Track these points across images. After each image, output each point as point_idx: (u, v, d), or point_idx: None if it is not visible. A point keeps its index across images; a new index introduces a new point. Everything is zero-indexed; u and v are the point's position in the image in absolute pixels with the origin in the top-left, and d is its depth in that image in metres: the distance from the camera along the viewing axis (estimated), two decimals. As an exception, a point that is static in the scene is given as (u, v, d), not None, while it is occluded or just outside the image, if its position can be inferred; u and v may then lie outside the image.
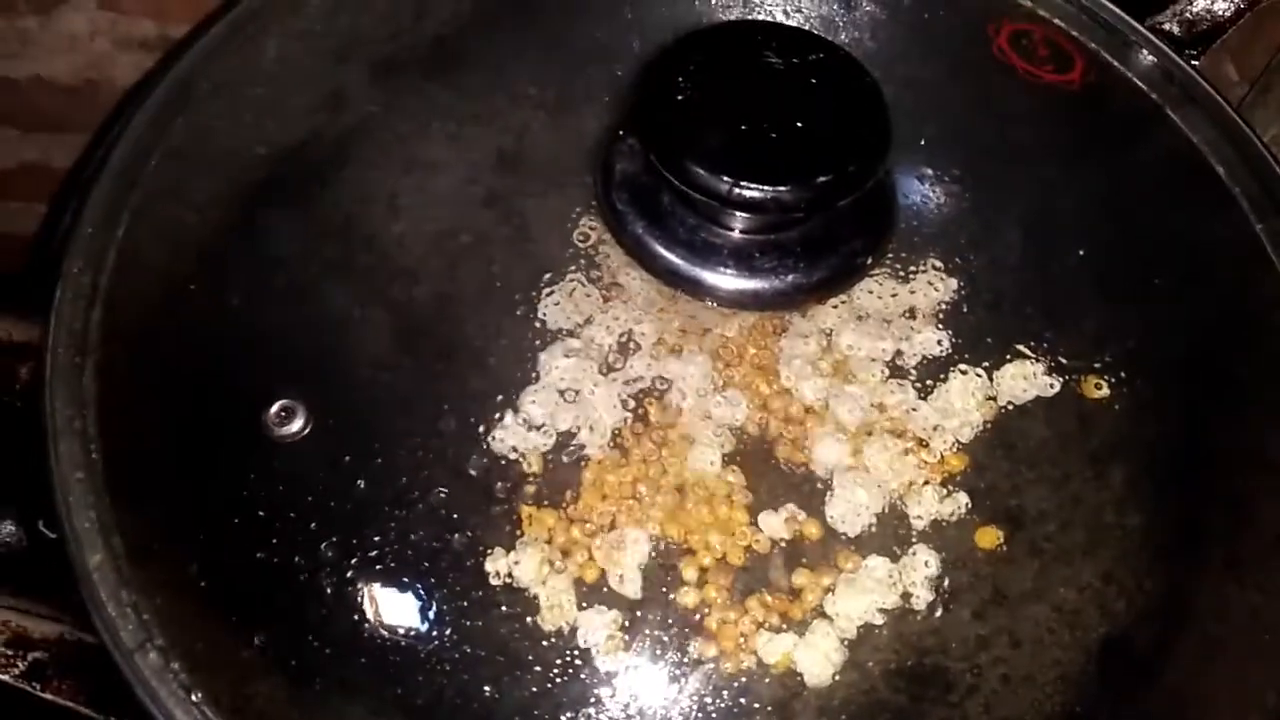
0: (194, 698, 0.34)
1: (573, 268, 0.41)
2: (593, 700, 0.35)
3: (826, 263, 0.40)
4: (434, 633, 0.36)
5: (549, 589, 0.36)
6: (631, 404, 0.39)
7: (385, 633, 0.36)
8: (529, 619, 0.36)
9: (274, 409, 0.37)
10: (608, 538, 0.37)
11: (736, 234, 0.39)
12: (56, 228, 0.42)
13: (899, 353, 0.40)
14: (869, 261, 0.41)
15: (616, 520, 0.37)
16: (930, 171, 0.44)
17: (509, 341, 0.40)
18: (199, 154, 0.43)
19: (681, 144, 0.36)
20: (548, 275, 0.41)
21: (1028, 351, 0.41)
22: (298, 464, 0.38)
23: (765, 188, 0.36)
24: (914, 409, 0.40)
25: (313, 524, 0.37)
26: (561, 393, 0.39)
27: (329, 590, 0.36)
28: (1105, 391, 0.40)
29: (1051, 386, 0.40)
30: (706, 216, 0.39)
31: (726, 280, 0.39)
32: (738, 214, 0.38)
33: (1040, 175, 0.45)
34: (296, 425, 0.37)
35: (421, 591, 0.36)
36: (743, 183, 0.36)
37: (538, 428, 0.38)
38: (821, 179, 0.36)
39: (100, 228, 0.41)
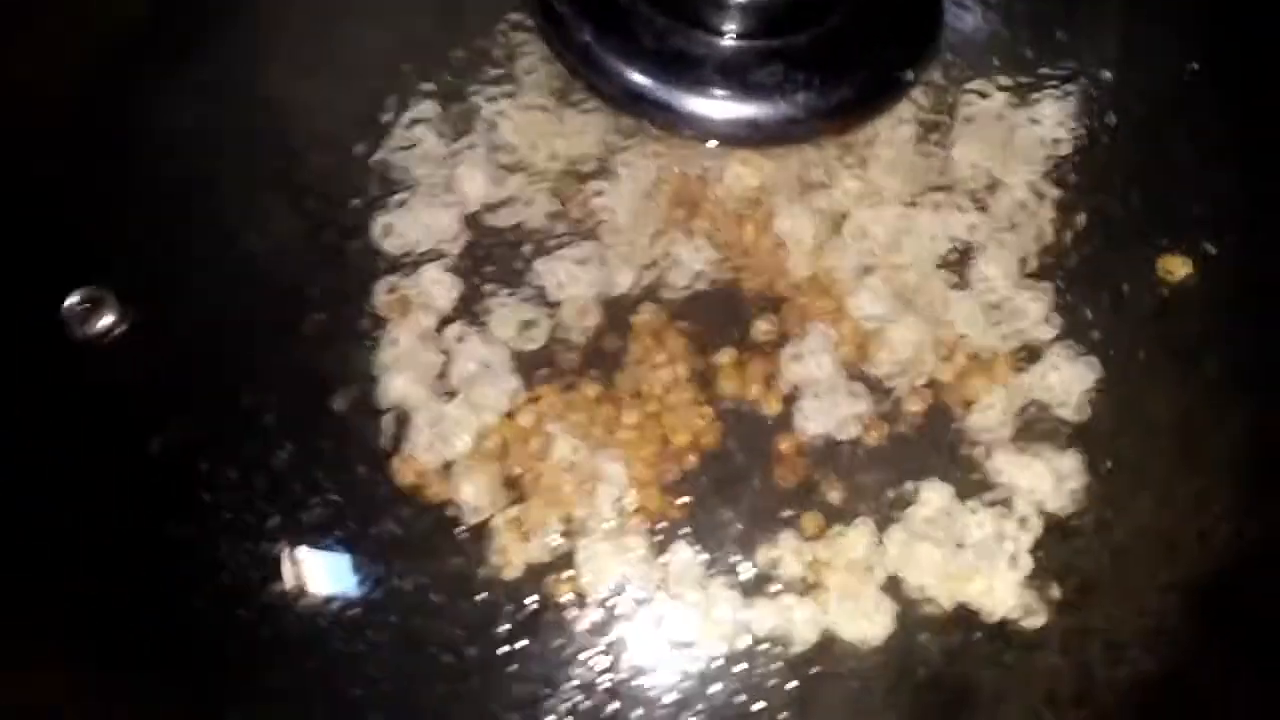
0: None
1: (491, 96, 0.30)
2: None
3: (851, 78, 0.29)
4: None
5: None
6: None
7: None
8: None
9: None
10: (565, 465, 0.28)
11: (726, 39, 0.29)
12: None
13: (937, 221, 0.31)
14: (910, 78, 0.30)
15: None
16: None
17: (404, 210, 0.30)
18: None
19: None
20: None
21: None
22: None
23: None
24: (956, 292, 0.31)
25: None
26: (483, 276, 0.29)
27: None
28: (1188, 270, 0.32)
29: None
30: (683, 16, 0.29)
31: (713, 104, 0.29)
32: (730, 4, 0.28)
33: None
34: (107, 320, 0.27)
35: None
36: (740, -48, 0.25)
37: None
38: (847, -55, 0.26)
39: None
